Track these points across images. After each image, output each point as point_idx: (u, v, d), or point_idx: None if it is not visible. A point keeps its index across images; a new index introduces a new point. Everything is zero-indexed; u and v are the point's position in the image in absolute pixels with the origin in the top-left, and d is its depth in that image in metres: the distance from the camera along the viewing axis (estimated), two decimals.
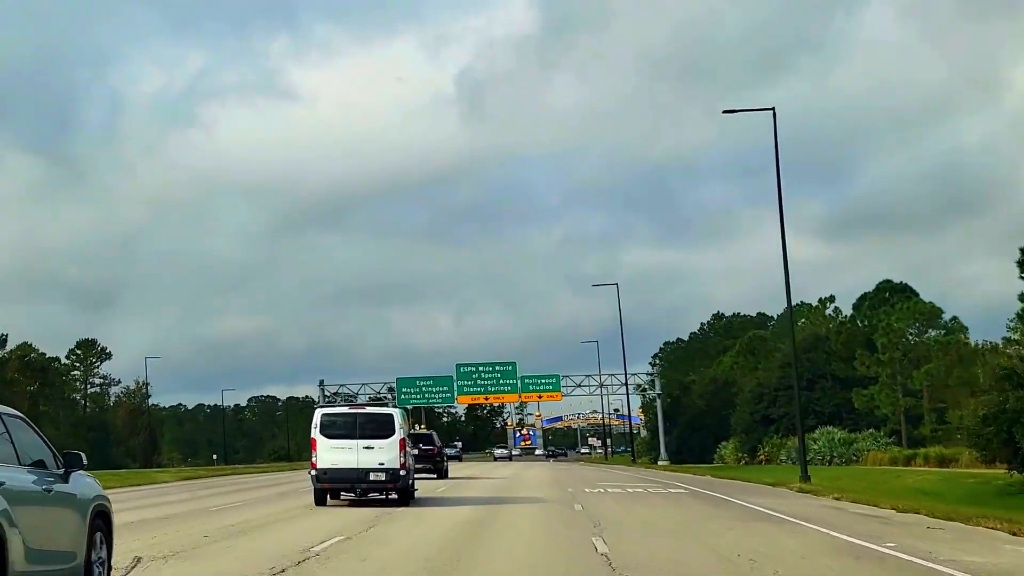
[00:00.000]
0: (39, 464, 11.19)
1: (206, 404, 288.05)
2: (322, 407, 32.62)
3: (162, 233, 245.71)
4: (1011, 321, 43.03)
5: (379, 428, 29.17)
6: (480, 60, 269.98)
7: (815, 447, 69.05)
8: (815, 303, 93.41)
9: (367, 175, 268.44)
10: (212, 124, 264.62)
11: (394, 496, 29.45)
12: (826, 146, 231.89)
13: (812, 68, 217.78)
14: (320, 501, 29.33)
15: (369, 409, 31.14)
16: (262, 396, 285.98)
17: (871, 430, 68.98)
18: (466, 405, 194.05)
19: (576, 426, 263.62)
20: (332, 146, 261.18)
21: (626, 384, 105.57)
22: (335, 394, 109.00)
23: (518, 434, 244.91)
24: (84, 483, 12.06)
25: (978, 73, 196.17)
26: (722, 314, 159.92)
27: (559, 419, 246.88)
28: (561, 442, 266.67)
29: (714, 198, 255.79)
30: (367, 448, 28.68)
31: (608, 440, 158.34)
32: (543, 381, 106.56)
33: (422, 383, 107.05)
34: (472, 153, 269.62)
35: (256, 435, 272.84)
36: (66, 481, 11.52)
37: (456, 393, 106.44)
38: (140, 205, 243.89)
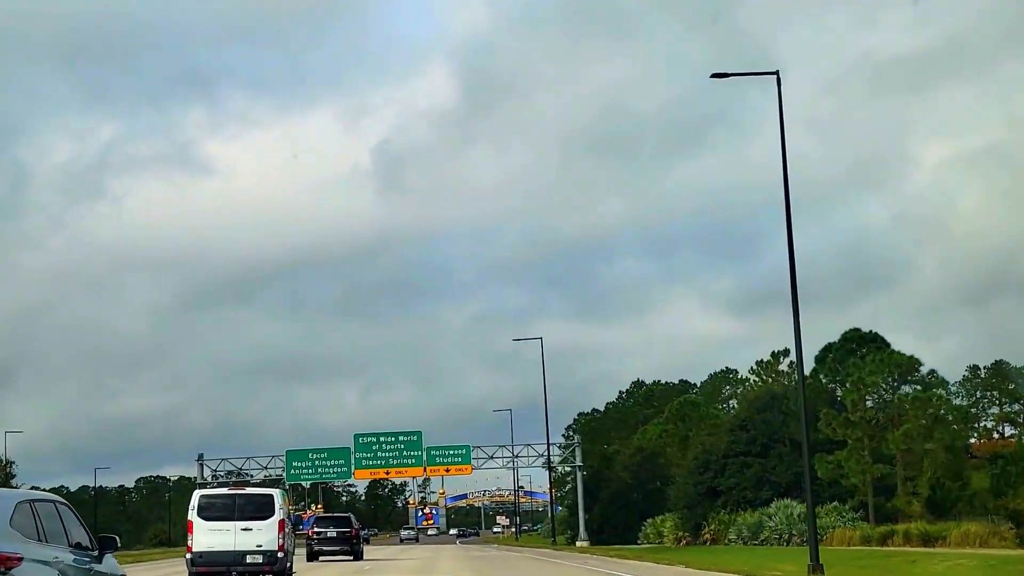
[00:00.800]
0: (79, 546, 13.70)
1: (90, 486, 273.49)
2: (201, 489, 32.36)
3: (66, 308, 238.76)
4: None
5: (258, 509, 28.90)
6: (399, 132, 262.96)
7: (770, 524, 59.05)
8: (767, 358, 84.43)
9: (282, 249, 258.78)
10: (123, 197, 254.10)
11: None
12: (739, 222, 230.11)
13: (728, 143, 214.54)
14: None
15: (248, 490, 30.96)
16: (151, 476, 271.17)
17: (834, 503, 59.29)
18: (367, 481, 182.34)
19: (480, 504, 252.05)
20: (247, 219, 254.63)
21: (548, 451, 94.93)
22: (216, 472, 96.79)
23: (420, 513, 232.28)
24: (112, 563, 14.91)
25: (888, 150, 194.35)
26: (642, 382, 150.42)
27: (464, 496, 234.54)
28: (464, 521, 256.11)
29: (628, 274, 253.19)
30: (245, 530, 28.46)
31: (517, 519, 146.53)
32: (451, 452, 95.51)
33: (315, 456, 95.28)
34: (389, 228, 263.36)
35: (142, 518, 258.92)
36: (99, 562, 14.10)
37: (354, 467, 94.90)
38: (44, 280, 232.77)
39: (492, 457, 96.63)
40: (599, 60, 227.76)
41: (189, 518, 29.66)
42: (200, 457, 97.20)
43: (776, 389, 63.88)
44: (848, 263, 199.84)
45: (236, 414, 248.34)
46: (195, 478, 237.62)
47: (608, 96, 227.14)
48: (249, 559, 28.46)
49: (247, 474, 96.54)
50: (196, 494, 30.33)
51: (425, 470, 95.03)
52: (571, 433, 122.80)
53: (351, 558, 55.04)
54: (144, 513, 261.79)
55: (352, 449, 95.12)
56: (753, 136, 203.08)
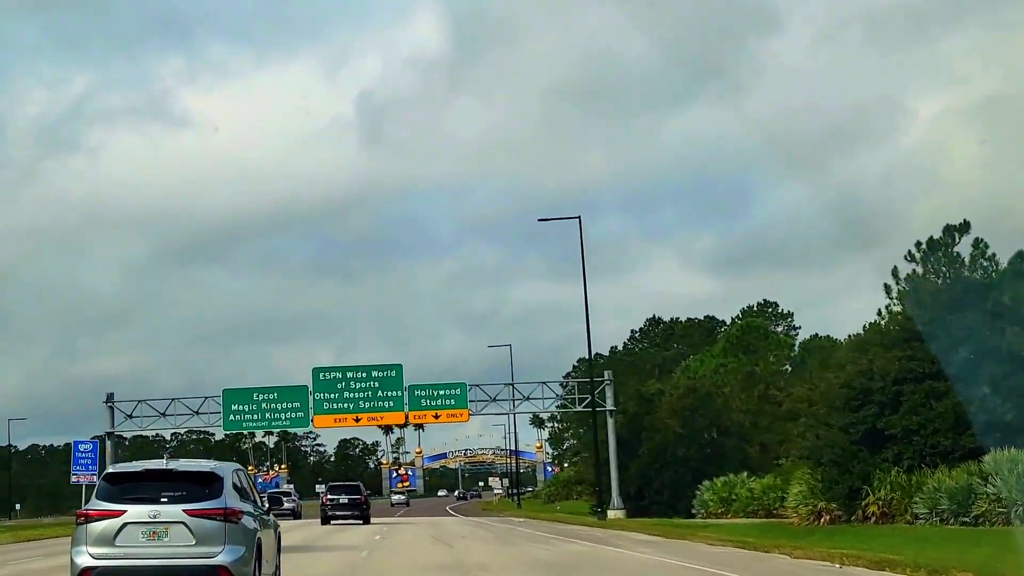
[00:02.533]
0: (256, 502, 17.33)
1: (41, 445, 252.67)
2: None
3: (37, 266, 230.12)
4: None
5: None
6: (383, 82, 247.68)
7: (987, 490, 35.27)
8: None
9: (256, 205, 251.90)
10: (96, 150, 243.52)
11: None
12: (726, 177, 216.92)
13: (719, 95, 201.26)
14: None
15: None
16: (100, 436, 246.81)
17: None
18: (333, 433, 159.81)
19: (455, 465, 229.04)
20: (222, 174, 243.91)
21: (590, 372, 71.17)
22: (131, 416, 72.69)
23: (394, 474, 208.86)
24: (272, 517, 18.29)
25: (883, 103, 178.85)
26: (659, 318, 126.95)
27: (443, 456, 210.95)
28: (439, 484, 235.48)
29: (609, 232, 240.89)
30: None
31: (517, 479, 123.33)
32: (442, 393, 71.82)
33: (261, 398, 71.33)
34: (368, 183, 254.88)
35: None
36: (268, 515, 17.71)
37: (312, 412, 71.26)
38: (14, 236, 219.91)
39: (495, 399, 72.87)
40: (591, 4, 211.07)
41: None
42: (110, 399, 72.89)
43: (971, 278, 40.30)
44: (834, 220, 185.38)
45: (209, 374, 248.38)
46: (156, 435, 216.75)
47: (597, 43, 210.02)
48: None
49: (171, 419, 72.60)
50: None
51: (407, 416, 71.34)
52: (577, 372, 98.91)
53: (361, 522, 58.47)
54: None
55: (310, 388, 71.34)
56: (749, 88, 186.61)
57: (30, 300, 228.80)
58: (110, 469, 16.64)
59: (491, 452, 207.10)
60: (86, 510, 15.42)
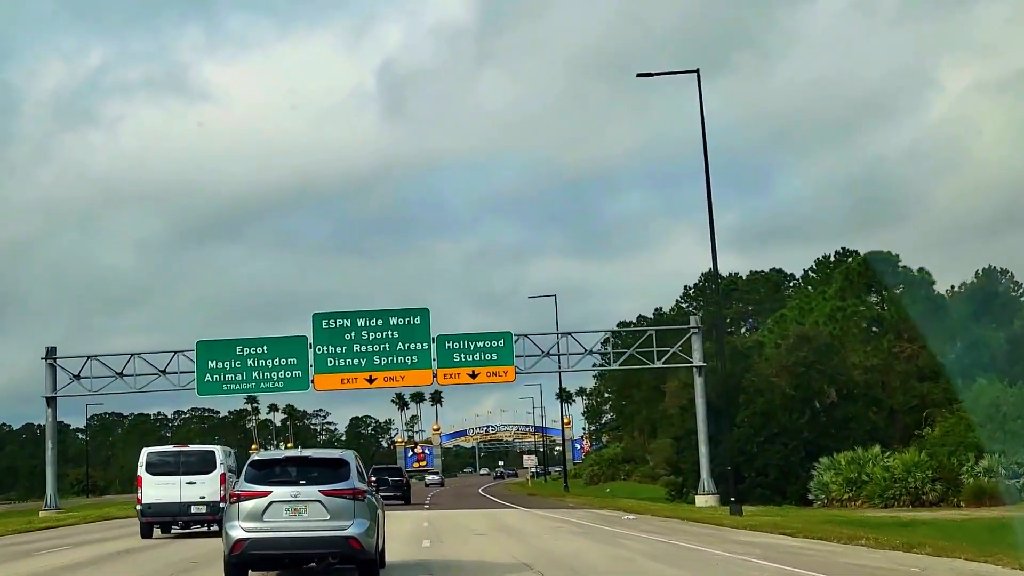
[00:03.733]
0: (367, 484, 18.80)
1: (37, 424, 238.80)
2: (148, 447, 34.09)
3: (52, 243, 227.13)
4: None
5: (201, 464, 31.53)
6: (405, 52, 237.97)
7: None
8: None
9: (275, 181, 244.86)
10: (114, 123, 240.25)
11: (215, 528, 28.91)
12: (752, 151, 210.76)
13: (749, 66, 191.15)
14: (146, 534, 31.22)
15: (191, 447, 34.05)
16: (105, 414, 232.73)
17: None
18: (338, 398, 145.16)
19: (472, 444, 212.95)
20: (241, 149, 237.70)
21: (715, 279, 54.23)
22: (78, 377, 56.19)
23: (410, 453, 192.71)
24: (378, 496, 19.51)
25: (912, 75, 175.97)
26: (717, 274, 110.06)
27: (463, 434, 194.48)
28: (454, 464, 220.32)
29: (631, 209, 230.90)
30: (189, 483, 30.95)
31: (565, 458, 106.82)
32: (481, 346, 55.26)
33: (247, 352, 54.96)
34: (388, 158, 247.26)
35: (92, 462, 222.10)
36: (373, 495, 18.61)
37: (314, 370, 54.88)
38: (30, 212, 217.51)
39: (548, 354, 56.09)
40: None
41: (138, 473, 31.76)
42: (50, 354, 56.28)
43: None
44: (861, 195, 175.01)
45: None
46: (158, 414, 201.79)
47: (624, 12, 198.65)
48: (194, 509, 30.87)
49: (130, 379, 56.07)
50: (144, 451, 32.57)
51: (436, 375, 54.47)
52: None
53: (402, 502, 57.33)
54: (92, 454, 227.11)
55: (310, 340, 54.86)
56: (774, 59, 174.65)
57: (45, 277, 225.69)
58: (256, 456, 18.57)
59: (514, 429, 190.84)
60: (237, 491, 17.50)
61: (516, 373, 54.96)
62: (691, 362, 55.53)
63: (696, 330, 55.62)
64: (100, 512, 57.24)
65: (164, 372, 55.45)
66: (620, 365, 57.25)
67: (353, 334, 54.35)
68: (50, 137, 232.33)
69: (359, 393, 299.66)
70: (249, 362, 54.39)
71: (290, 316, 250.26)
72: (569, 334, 55.53)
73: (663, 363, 56.38)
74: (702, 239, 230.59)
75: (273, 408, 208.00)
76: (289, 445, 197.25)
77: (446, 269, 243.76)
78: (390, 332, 54.35)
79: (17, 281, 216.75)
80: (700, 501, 53.01)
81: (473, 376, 54.79)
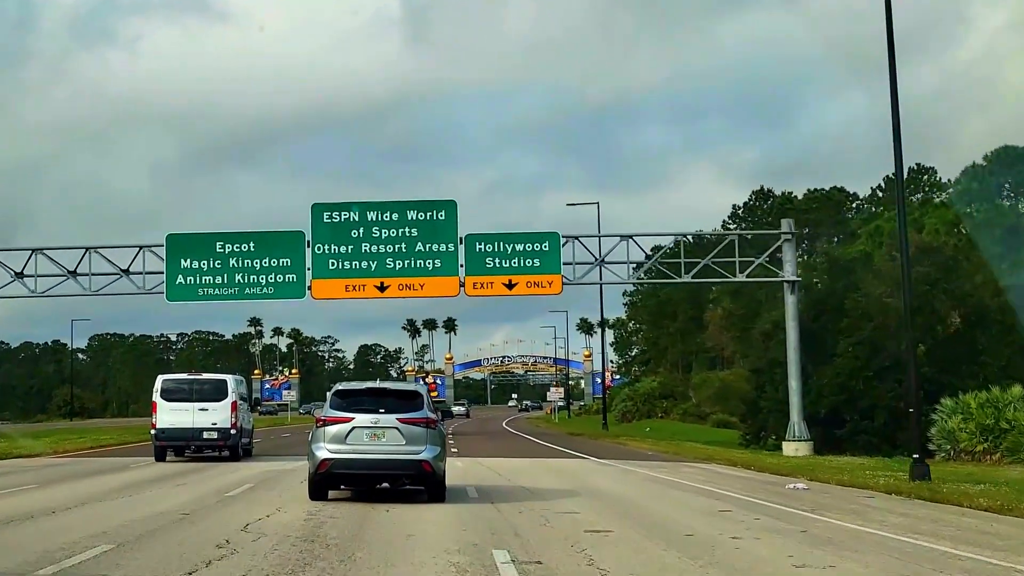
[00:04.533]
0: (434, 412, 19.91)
1: (36, 343, 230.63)
2: (163, 374, 35.15)
3: (66, 164, 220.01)
4: None
5: (213, 392, 32.67)
6: None
7: None
8: None
9: (292, 106, 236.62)
10: (132, 42, 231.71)
11: (226, 453, 32.36)
12: (777, 86, 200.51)
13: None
14: (160, 457, 32.26)
15: (205, 376, 35.21)
16: (107, 334, 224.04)
17: None
18: (341, 308, 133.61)
19: (483, 375, 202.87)
20: (258, 73, 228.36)
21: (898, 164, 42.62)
22: (19, 275, 45.33)
23: (420, 383, 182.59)
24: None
25: (941, 12, 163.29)
26: (768, 190, 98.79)
27: (477, 364, 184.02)
28: (463, 395, 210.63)
29: (651, 143, 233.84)
30: (202, 410, 31.96)
31: (604, 390, 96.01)
32: (520, 249, 44.16)
33: (229, 250, 44.02)
34: (408, 85, 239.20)
35: (86, 380, 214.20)
36: (436, 426, 19.39)
37: (312, 274, 44.08)
38: (44, 131, 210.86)
39: (604, 262, 45.01)
40: None
41: (153, 399, 32.56)
42: None
43: None
44: (882, 135, 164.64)
45: None
46: (160, 335, 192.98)
47: None
48: (206, 435, 31.82)
49: (85, 280, 45.14)
50: (160, 378, 33.42)
51: (464, 284, 43.20)
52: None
53: None
54: (89, 373, 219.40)
55: (308, 237, 43.95)
56: None
57: (56, 199, 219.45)
58: (339, 386, 20.64)
59: (531, 361, 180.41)
60: (324, 417, 19.20)
61: (563, 283, 43.88)
62: (781, 275, 44.44)
63: (788, 236, 44.40)
64: (47, 441, 46.45)
65: (127, 272, 44.48)
66: (693, 277, 45.94)
67: (362, 230, 43.31)
68: (66, 55, 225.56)
69: (367, 317, 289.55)
70: (232, 262, 43.42)
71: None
72: (630, 237, 44.28)
73: (747, 276, 45.19)
74: (721, 175, 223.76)
75: (278, 332, 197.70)
76: (294, 372, 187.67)
77: (461, 201, 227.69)
78: (408, 229, 43.31)
79: (29, 201, 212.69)
80: (788, 449, 42.35)
81: (510, 286, 43.68)
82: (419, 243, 43.28)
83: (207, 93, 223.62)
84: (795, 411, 42.85)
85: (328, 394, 20.19)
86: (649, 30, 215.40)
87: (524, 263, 43.38)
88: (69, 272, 44.30)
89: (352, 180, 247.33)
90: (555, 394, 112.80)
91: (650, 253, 44.85)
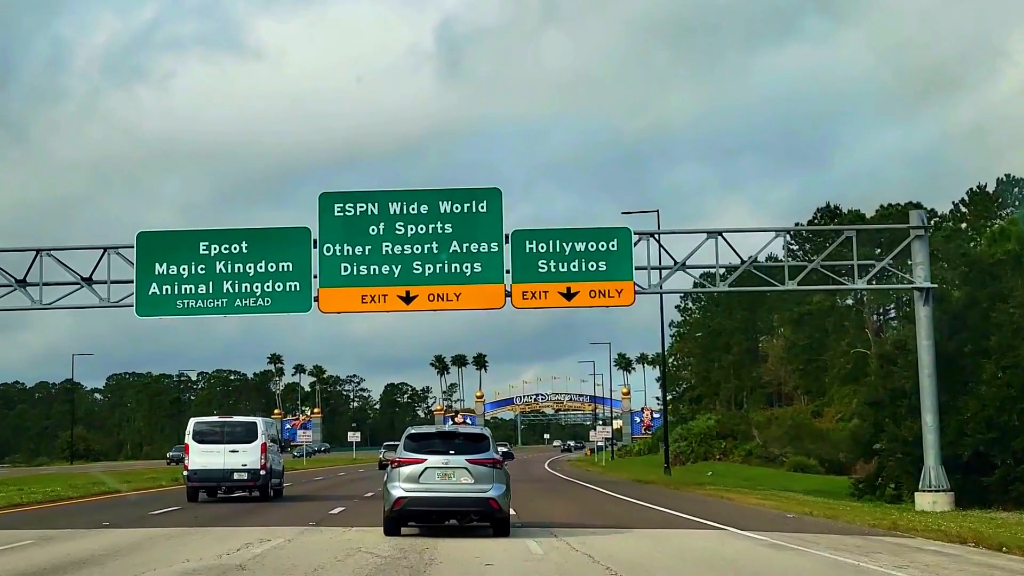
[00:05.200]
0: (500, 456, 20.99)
1: (52, 383, 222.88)
2: (195, 417, 34.97)
3: (98, 201, 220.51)
4: None
5: (244, 434, 32.64)
6: (468, 9, 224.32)
7: None
8: None
9: (324, 142, 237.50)
10: (165, 80, 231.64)
11: (256, 493, 32.56)
12: (813, 123, 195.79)
13: (818, 32, 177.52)
14: (192, 498, 32.21)
15: (236, 418, 34.87)
16: (125, 373, 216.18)
17: None
18: (353, 325, 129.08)
19: (512, 415, 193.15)
20: (292, 109, 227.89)
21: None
22: None
23: (450, 423, 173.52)
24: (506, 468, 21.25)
25: (982, 45, 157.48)
26: (835, 207, 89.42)
27: (509, 402, 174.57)
28: (496, 436, 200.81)
29: (686, 180, 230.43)
30: (232, 452, 32.09)
31: (665, 425, 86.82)
32: (580, 249, 35.20)
33: (216, 252, 35.23)
34: (440, 121, 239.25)
35: (101, 421, 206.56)
36: (502, 466, 20.49)
37: (320, 281, 35.22)
38: (76, 170, 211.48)
39: (683, 266, 35.71)
40: None
41: (186, 441, 33.00)
42: None
43: None
44: (916, 174, 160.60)
45: (264, 324, 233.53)
46: (180, 374, 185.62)
47: None
48: (236, 476, 31.97)
49: (35, 291, 36.24)
50: (192, 421, 33.70)
51: (510, 292, 34.04)
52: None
53: None
54: (105, 416, 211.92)
55: (315, 235, 35.07)
56: (844, 25, 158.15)
57: (89, 239, 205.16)
58: (412, 431, 21.58)
59: (566, 399, 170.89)
60: (398, 459, 20.27)
61: (635, 292, 34.65)
62: (910, 280, 35.00)
63: (920, 231, 34.95)
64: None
65: (89, 281, 35.53)
66: (800, 283, 36.42)
67: (383, 226, 34.32)
68: (99, 93, 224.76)
69: (394, 356, 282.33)
70: (219, 266, 34.43)
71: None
72: (719, 234, 34.97)
73: (868, 281, 35.69)
74: (755, 212, 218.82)
75: (299, 370, 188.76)
76: (316, 411, 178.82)
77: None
78: (440, 225, 34.30)
79: (61, 241, 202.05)
80: (923, 502, 32.91)
81: (568, 296, 34.46)
82: (454, 242, 34.27)
83: (239, 131, 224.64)
84: (931, 454, 33.35)
85: (403, 437, 21.23)
86: (684, 65, 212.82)
87: (587, 267, 34.26)
88: (16, 281, 35.39)
89: None
90: (601, 433, 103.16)
91: (743, 257, 35.47)
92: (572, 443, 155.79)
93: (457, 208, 34.42)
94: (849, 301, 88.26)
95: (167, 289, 34.37)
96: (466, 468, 19.74)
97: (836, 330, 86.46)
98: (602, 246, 34.38)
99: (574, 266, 34.25)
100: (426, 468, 19.77)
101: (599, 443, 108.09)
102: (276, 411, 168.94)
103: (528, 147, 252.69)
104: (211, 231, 35.05)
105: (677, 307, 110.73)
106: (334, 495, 36.52)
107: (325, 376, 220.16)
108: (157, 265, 34.39)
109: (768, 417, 79.52)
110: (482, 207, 34.51)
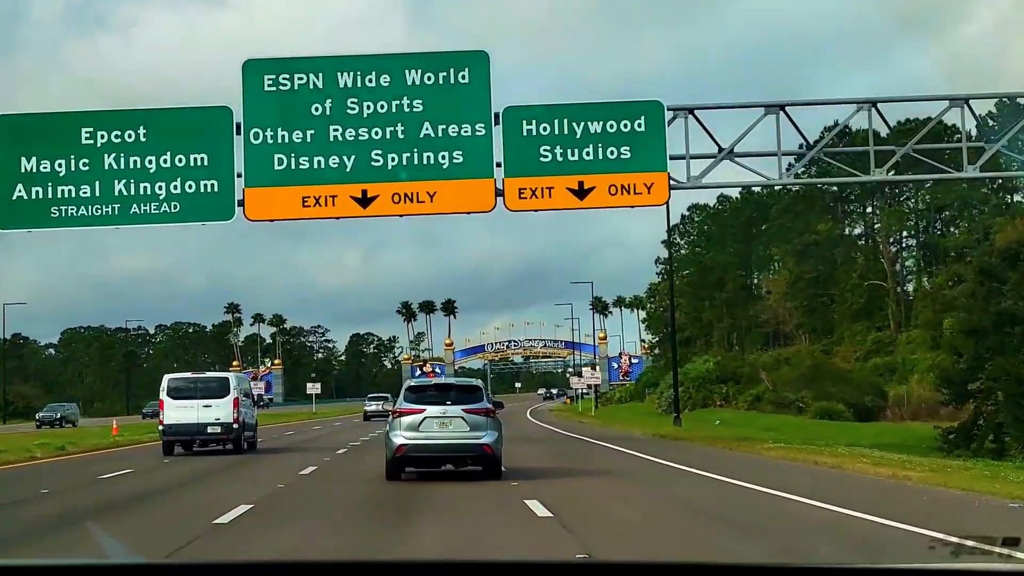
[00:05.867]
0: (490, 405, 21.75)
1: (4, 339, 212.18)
2: (169, 374, 35.82)
3: None
4: None
5: (216, 389, 32.90)
6: None
7: None
8: None
9: None
10: (126, 29, 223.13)
11: (230, 446, 32.60)
12: (782, 68, 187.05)
13: None
14: (167, 451, 32.18)
15: (208, 374, 37.00)
16: (79, 328, 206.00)
17: None
18: (298, 233, 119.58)
19: (482, 363, 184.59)
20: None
21: None
22: None
23: (418, 372, 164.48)
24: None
25: None
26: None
27: (479, 350, 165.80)
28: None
29: None
30: (205, 407, 32.38)
31: (675, 376, 77.90)
32: (598, 128, 26.55)
33: (107, 136, 26.39)
34: None
35: (53, 377, 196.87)
36: (495, 415, 21.13)
37: (246, 180, 26.40)
38: None
39: (731, 152, 27.03)
40: None
41: (160, 397, 33.37)
42: None
43: None
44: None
45: (235, 275, 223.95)
46: (138, 327, 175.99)
47: None
48: (210, 429, 32.30)
49: None
50: (166, 378, 33.85)
51: (503, 189, 25.10)
52: None
53: None
54: (56, 370, 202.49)
55: (239, 117, 26.06)
56: None
57: None
58: (411, 383, 22.91)
59: (540, 345, 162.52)
60: (399, 409, 21.06)
61: (670, 187, 25.83)
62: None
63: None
64: None
65: None
66: (891, 171, 27.54)
67: (330, 104, 25.32)
68: (58, 44, 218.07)
69: (353, 304, 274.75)
70: (109, 161, 25.34)
71: (295, 233, 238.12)
72: (781, 108, 26.12)
73: (979, 168, 26.81)
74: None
75: (258, 319, 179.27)
76: (277, 363, 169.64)
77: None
78: (407, 101, 25.30)
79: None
80: None
81: (580, 194, 25.60)
82: (427, 124, 25.33)
83: (200, 85, 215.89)
84: None
85: (402, 389, 22.11)
86: (656, 5, 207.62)
87: (604, 153, 25.40)
88: None
89: None
90: (587, 379, 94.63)
91: (808, 141, 26.68)
92: (555, 391, 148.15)
93: (430, 79, 25.42)
94: (858, 229, 79.95)
95: (38, 192, 25.29)
96: (462, 417, 20.59)
97: (845, 261, 78.13)
98: (625, 126, 25.55)
99: (587, 153, 25.43)
100: (425, 417, 20.61)
101: (583, 390, 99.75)
102: (235, 363, 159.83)
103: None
104: (96, 113, 25.91)
105: (663, 242, 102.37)
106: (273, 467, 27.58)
107: (288, 328, 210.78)
108: (24, 160, 25.22)
109: (775, 358, 71.30)
110: (463, 77, 25.58)
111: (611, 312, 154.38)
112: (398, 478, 20.55)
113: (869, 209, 76.66)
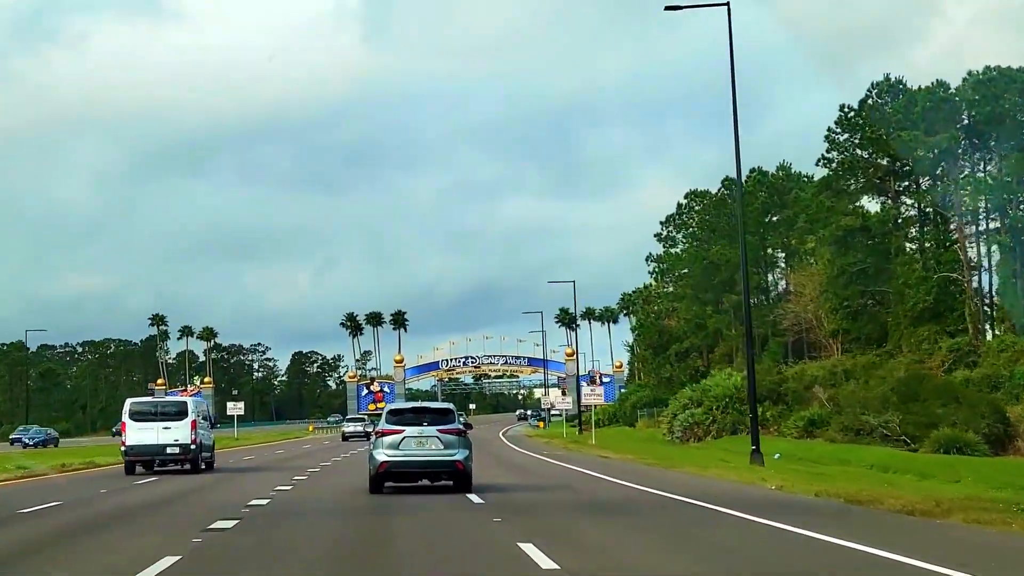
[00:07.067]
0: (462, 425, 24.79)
1: None
2: (131, 398, 38.40)
3: (3, 174, 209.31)
4: None
5: (175, 413, 35.18)
6: None
7: None
8: None
9: (241, 110, 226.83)
10: (77, 42, 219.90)
11: (188, 466, 34.88)
12: (749, 82, 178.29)
13: None
14: (129, 471, 34.85)
15: (168, 398, 42.11)
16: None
17: None
18: (283, 346, 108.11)
19: (431, 382, 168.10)
20: (209, 75, 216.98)
21: None
22: None
23: (364, 392, 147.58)
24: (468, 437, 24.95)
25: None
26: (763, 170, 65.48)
27: (434, 367, 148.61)
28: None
29: (612, 145, 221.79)
30: (165, 428, 34.64)
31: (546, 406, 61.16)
32: None
33: None
34: (364, 85, 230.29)
35: None
36: (466, 434, 24.38)
37: None
38: None
39: None
40: None
41: (123, 420, 35.62)
42: None
43: None
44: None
45: (180, 294, 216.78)
46: (85, 345, 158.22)
47: None
48: (169, 450, 34.55)
49: None
50: (128, 401, 36.72)
51: None
52: None
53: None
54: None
55: None
56: None
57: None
58: (392, 406, 26.45)
59: (501, 361, 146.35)
60: (381, 429, 24.41)
61: None
62: None
63: None
64: None
65: None
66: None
67: None
68: (7, 57, 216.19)
69: (301, 324, 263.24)
70: None
71: (251, 253, 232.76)
72: None
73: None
74: (681, 174, 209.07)
75: (186, 332, 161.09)
76: (207, 381, 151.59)
77: (416, 205, 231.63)
78: None
79: None
80: None
81: None
82: None
83: (153, 98, 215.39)
84: None
85: (384, 412, 25.52)
86: (613, 25, 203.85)
87: None
88: None
89: (304, 185, 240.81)
90: (560, 402, 78.39)
91: None
92: (530, 412, 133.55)
93: None
94: (912, 212, 64.34)
95: None
96: (437, 436, 23.64)
97: (899, 252, 62.40)
98: None
99: None
100: (404, 437, 23.63)
101: (555, 412, 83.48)
102: (159, 381, 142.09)
103: (451, 110, 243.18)
104: None
105: (657, 236, 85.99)
106: None
107: (225, 345, 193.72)
108: None
109: (829, 370, 55.11)
110: None
111: (578, 325, 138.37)
112: (380, 491, 23.79)
113: (935, 183, 60.57)
